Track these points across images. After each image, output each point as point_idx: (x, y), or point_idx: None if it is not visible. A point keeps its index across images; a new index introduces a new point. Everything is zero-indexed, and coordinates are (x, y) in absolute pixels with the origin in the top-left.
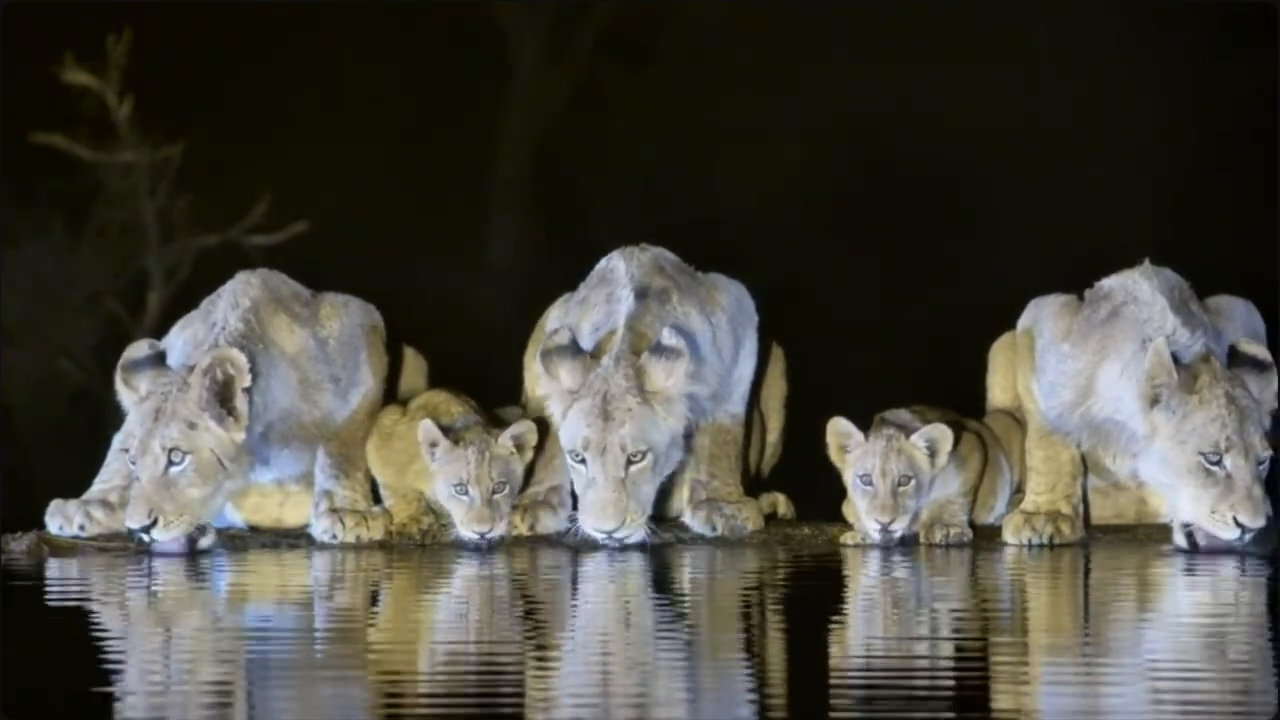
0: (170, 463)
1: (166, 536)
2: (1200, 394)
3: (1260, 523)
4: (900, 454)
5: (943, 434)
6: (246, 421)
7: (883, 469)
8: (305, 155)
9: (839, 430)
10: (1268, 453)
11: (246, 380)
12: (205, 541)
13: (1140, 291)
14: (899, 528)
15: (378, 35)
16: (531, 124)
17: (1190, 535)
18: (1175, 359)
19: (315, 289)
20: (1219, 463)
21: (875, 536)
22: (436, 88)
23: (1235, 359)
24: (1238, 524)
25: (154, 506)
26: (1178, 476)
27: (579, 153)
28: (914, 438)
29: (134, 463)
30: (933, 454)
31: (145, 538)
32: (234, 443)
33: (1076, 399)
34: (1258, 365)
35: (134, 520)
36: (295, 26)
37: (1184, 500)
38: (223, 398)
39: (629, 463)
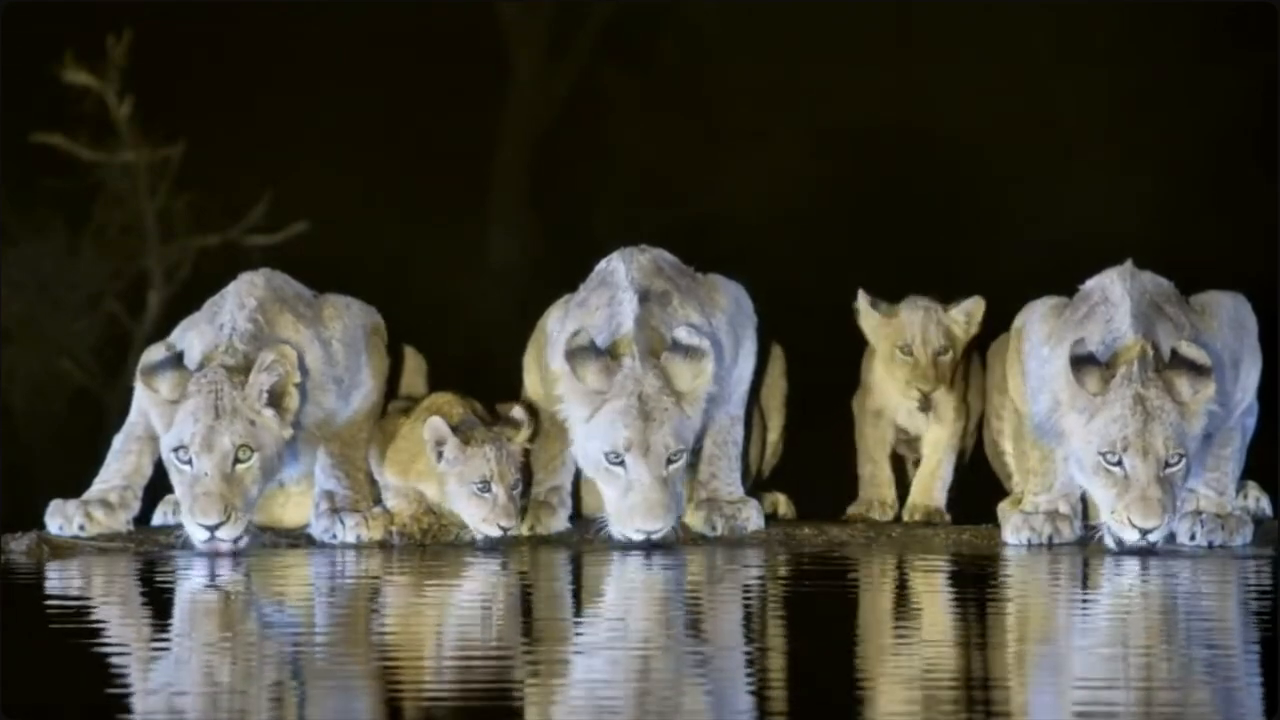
0: (238, 459)
1: (231, 535)
2: (1107, 394)
3: (1153, 524)
4: (938, 325)
5: (976, 304)
6: (294, 418)
7: (923, 338)
8: (305, 155)
9: (863, 303)
10: (1178, 454)
11: (298, 376)
12: (244, 540)
13: (1112, 293)
14: (940, 395)
15: (378, 35)
16: (531, 124)
17: (1115, 535)
18: (1093, 359)
19: (316, 289)
20: (1119, 463)
21: (915, 405)
22: (436, 87)
23: (1173, 361)
24: (1133, 525)
25: (228, 503)
26: (1086, 477)
27: (579, 152)
28: (952, 311)
29: (190, 462)
30: (968, 324)
31: (207, 536)
32: (284, 439)
33: (1053, 404)
34: (1195, 368)
35: (209, 518)
36: (295, 27)
37: (1096, 501)
38: (271, 395)
39: (668, 462)
